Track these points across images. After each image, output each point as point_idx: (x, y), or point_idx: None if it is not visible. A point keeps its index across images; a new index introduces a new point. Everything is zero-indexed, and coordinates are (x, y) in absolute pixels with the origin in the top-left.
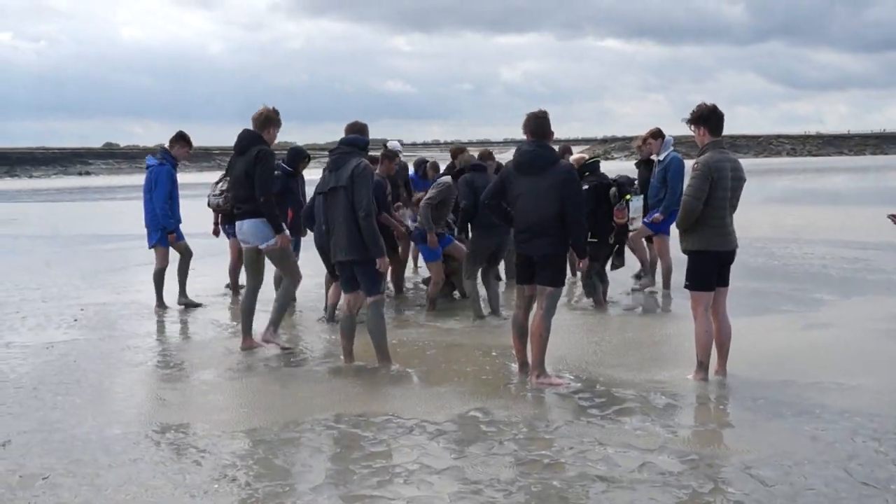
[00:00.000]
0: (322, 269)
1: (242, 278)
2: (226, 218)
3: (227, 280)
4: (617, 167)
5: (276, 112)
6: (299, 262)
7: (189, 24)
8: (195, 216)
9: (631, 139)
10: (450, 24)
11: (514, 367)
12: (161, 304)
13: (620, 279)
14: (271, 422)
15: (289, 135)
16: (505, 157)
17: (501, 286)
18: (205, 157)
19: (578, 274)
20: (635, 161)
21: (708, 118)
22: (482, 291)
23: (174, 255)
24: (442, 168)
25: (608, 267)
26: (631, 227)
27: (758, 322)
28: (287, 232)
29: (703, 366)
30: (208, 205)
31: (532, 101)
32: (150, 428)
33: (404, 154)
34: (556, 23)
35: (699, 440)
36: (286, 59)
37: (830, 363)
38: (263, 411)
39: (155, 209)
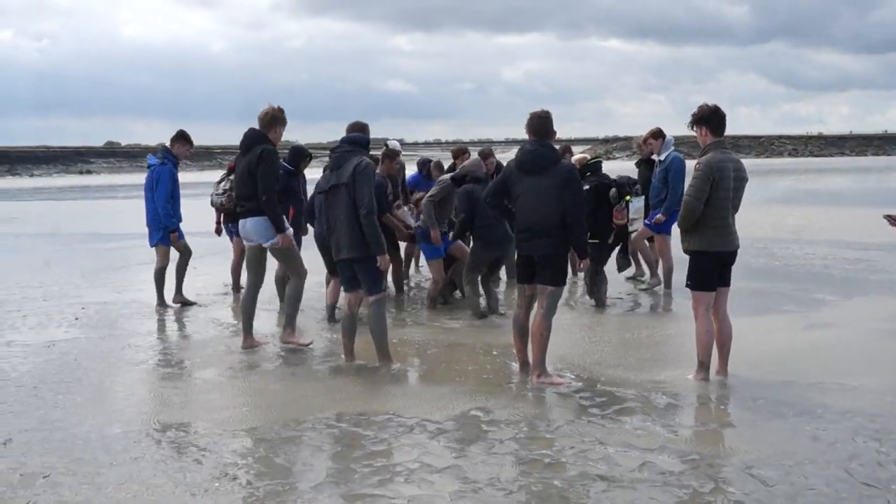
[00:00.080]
0: (322, 269)
1: (244, 278)
2: (228, 217)
3: (228, 279)
4: (618, 167)
5: (281, 111)
6: None
7: (190, 22)
8: (196, 215)
9: (632, 139)
10: (451, 23)
11: (515, 366)
12: (162, 303)
13: (620, 279)
14: (272, 420)
15: (290, 134)
16: (506, 156)
17: (502, 286)
18: (206, 155)
19: (580, 274)
20: (635, 161)
21: (710, 118)
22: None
23: (174, 254)
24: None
25: (615, 268)
26: (631, 228)
27: (759, 322)
28: (290, 230)
29: (703, 366)
30: (211, 204)
31: (533, 101)
32: (150, 426)
33: (404, 154)
34: (558, 23)
35: (700, 440)
36: (287, 58)
37: (832, 363)
38: (264, 410)
39: (156, 208)
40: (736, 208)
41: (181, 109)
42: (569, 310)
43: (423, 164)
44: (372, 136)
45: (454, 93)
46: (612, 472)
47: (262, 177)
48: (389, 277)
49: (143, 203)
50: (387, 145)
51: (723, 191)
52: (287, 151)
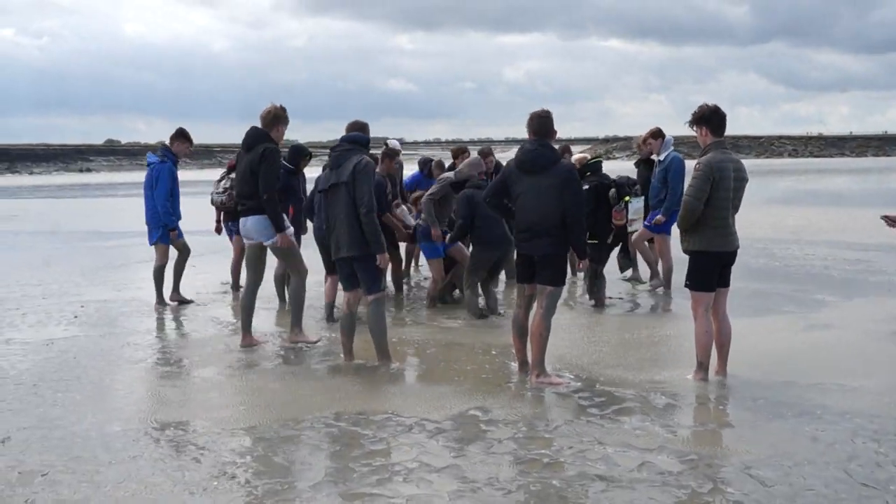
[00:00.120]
0: (322, 268)
1: (243, 277)
2: (228, 215)
3: (228, 278)
4: (618, 167)
5: (283, 110)
6: None
7: (192, 21)
8: (196, 214)
9: (632, 139)
10: (452, 22)
11: (514, 366)
12: (161, 302)
13: (619, 279)
14: (271, 419)
15: (290, 133)
16: (506, 156)
17: (501, 285)
18: (206, 154)
19: (579, 274)
20: (634, 161)
21: (710, 118)
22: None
23: (173, 252)
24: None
25: (613, 268)
26: (630, 229)
27: (759, 323)
28: (291, 229)
29: (702, 366)
30: (212, 202)
31: (534, 101)
32: (149, 425)
33: (405, 153)
34: (559, 23)
35: (699, 440)
36: (288, 57)
37: (831, 364)
38: (263, 409)
39: (156, 206)
40: (736, 208)
41: (182, 108)
42: (568, 310)
43: (425, 164)
44: (372, 135)
45: (455, 92)
46: (611, 471)
47: (264, 175)
48: (388, 277)
49: (143, 201)
50: (386, 144)
51: (723, 191)
52: (287, 150)
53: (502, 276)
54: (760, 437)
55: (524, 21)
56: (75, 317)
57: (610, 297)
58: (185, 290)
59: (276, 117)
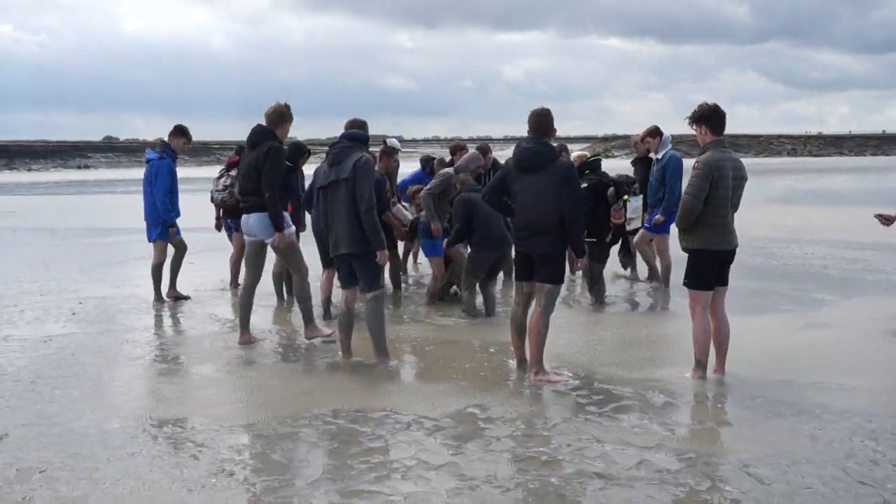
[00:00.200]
0: (320, 267)
1: (243, 274)
2: (228, 213)
3: (226, 275)
4: (617, 165)
5: (288, 108)
6: None
7: (191, 18)
8: (195, 211)
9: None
10: (452, 20)
11: (512, 363)
12: (159, 299)
13: (618, 279)
14: (269, 416)
15: (290, 130)
16: (505, 154)
17: (499, 284)
18: (204, 151)
19: (578, 272)
20: (631, 160)
21: (709, 117)
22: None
23: (170, 250)
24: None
25: (612, 266)
26: (629, 227)
27: (757, 321)
28: (293, 229)
29: (701, 364)
30: (211, 200)
31: (533, 99)
32: (147, 422)
33: (404, 151)
34: (559, 21)
35: (697, 438)
36: (287, 54)
37: (830, 363)
38: (261, 406)
39: (155, 203)
40: (735, 207)
41: (181, 105)
42: (566, 308)
43: (427, 162)
44: (371, 132)
45: (454, 90)
46: (609, 469)
47: (268, 174)
48: (386, 274)
49: (141, 198)
50: (385, 142)
51: (722, 189)
52: (286, 147)
53: (501, 275)
54: (758, 435)
55: (524, 19)
56: (73, 313)
57: (607, 296)
58: (184, 287)
59: (282, 115)
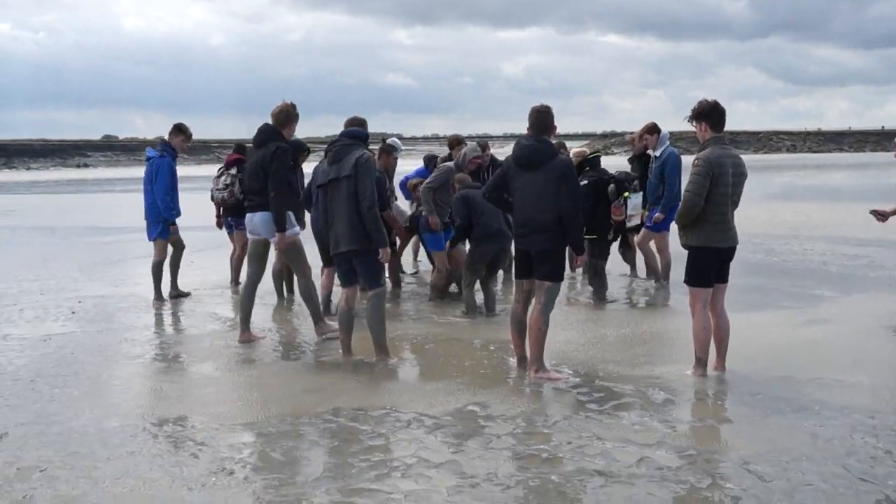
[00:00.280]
0: (320, 265)
1: (243, 274)
2: (228, 211)
3: (226, 273)
4: (616, 163)
5: (294, 107)
6: None
7: (190, 15)
8: (195, 209)
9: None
10: (451, 17)
11: (513, 361)
12: (159, 297)
13: (618, 276)
14: (269, 415)
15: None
16: (504, 151)
17: (500, 283)
18: (203, 149)
19: (578, 270)
20: (628, 157)
21: (709, 114)
22: (479, 297)
23: (168, 249)
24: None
25: (612, 264)
26: (629, 224)
27: (757, 318)
28: (296, 229)
29: (701, 362)
30: (212, 199)
31: (532, 96)
32: (147, 421)
33: (404, 148)
34: (558, 17)
35: (697, 435)
36: (287, 51)
37: (830, 360)
38: (261, 404)
39: (156, 201)
40: (735, 204)
41: (180, 103)
42: (566, 305)
43: (430, 160)
44: (371, 130)
45: (454, 87)
46: (610, 467)
47: (275, 174)
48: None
49: (141, 196)
50: (384, 140)
51: (722, 186)
52: None
53: (500, 274)
54: (759, 432)
55: (522, 16)
56: (73, 312)
57: (608, 294)
58: (184, 286)
59: (289, 115)
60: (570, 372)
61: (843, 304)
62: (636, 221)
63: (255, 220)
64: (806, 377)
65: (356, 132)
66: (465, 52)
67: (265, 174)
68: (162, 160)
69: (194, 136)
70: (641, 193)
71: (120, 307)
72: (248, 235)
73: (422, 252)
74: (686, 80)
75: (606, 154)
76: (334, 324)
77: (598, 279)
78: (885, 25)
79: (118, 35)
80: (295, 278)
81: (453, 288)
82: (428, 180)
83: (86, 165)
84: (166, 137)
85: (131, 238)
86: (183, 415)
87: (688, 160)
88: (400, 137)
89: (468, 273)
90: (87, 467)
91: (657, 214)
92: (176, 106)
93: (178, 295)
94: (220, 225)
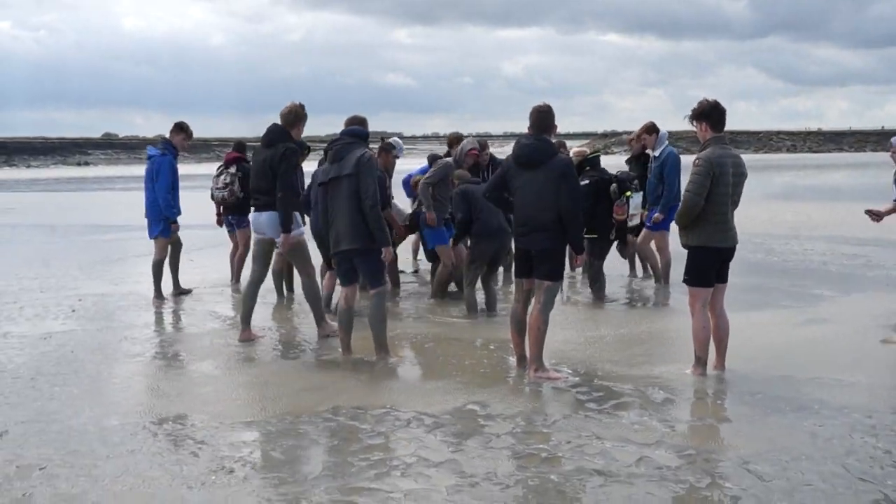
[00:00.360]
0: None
1: (244, 273)
2: (228, 210)
3: (226, 272)
4: (616, 162)
5: (302, 108)
6: None
7: (190, 15)
8: (195, 207)
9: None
10: (451, 17)
11: (512, 360)
12: (159, 296)
13: (618, 275)
14: (269, 413)
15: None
16: (505, 150)
17: (500, 282)
18: (204, 148)
19: (578, 269)
20: (626, 158)
21: (710, 114)
22: (480, 295)
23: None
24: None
25: (611, 263)
26: (630, 224)
27: (756, 318)
28: (302, 230)
29: (700, 361)
30: (212, 198)
31: (532, 96)
32: (147, 419)
33: (405, 148)
34: (558, 17)
35: (697, 435)
36: (287, 51)
37: (829, 359)
38: (261, 403)
39: (157, 200)
40: (735, 204)
41: (180, 102)
42: (566, 304)
43: (434, 159)
44: (371, 129)
45: (454, 87)
46: (609, 466)
47: (283, 174)
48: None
49: (141, 195)
50: (383, 139)
51: (722, 186)
52: None
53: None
54: (758, 431)
55: (522, 15)
56: (73, 311)
57: (607, 294)
58: (184, 284)
59: (297, 116)
60: (570, 371)
61: (842, 304)
62: (637, 221)
63: (262, 220)
64: (805, 376)
65: (357, 131)
66: (465, 51)
67: (273, 174)
68: (163, 158)
69: (194, 135)
70: (642, 193)
71: (120, 305)
72: (254, 234)
73: (421, 252)
74: (686, 79)
75: (606, 153)
76: (335, 324)
77: (596, 278)
78: (885, 25)
79: (118, 35)
80: (295, 277)
81: (453, 287)
82: (426, 176)
83: (86, 163)
84: (167, 136)
85: (131, 236)
86: (183, 413)
87: (688, 160)
88: (401, 136)
89: (469, 271)
90: (86, 465)
91: (656, 214)
92: (176, 106)
93: (180, 293)
94: (220, 223)
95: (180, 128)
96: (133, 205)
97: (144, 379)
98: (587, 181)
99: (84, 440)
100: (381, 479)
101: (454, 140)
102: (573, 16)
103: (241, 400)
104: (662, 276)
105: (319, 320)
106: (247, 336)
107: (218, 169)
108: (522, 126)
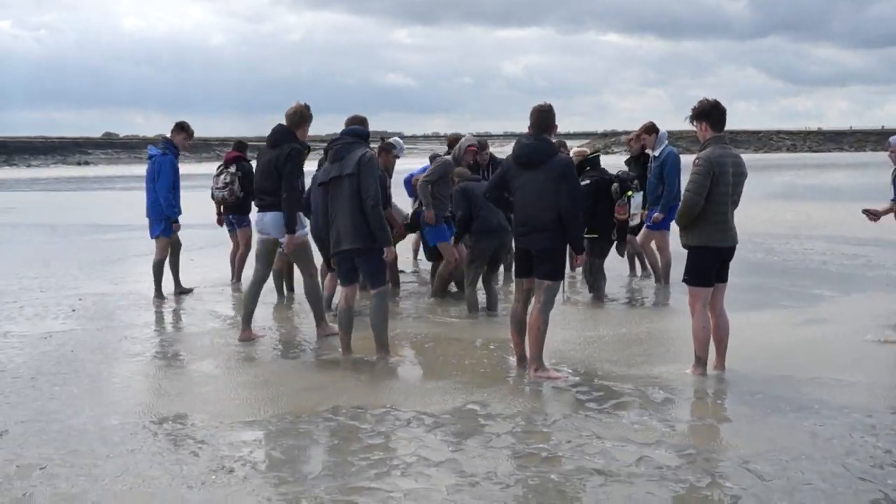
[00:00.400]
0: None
1: (245, 273)
2: (228, 209)
3: (226, 271)
4: (617, 162)
5: (308, 108)
6: None
7: (190, 15)
8: (195, 207)
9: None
10: (451, 17)
11: (512, 360)
12: (159, 295)
13: (618, 274)
14: (269, 413)
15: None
16: (505, 150)
17: (500, 282)
18: (204, 147)
19: (578, 269)
20: (626, 158)
21: (710, 113)
22: (480, 295)
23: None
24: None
25: (611, 263)
26: (631, 223)
27: (756, 317)
28: (305, 230)
29: (700, 361)
30: (212, 197)
31: (532, 95)
32: (147, 419)
33: (406, 148)
34: (558, 17)
35: (697, 434)
36: (287, 51)
37: (829, 359)
38: (261, 403)
39: (158, 199)
40: (735, 204)
41: (180, 102)
42: (566, 304)
43: (435, 159)
44: (371, 129)
45: (454, 87)
46: (609, 466)
47: (288, 175)
48: None
49: (142, 194)
50: (382, 139)
51: (722, 186)
52: None
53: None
54: (758, 431)
55: (522, 15)
56: (73, 310)
57: (607, 294)
58: (184, 283)
59: (302, 117)
60: (570, 371)
61: (841, 304)
62: (637, 221)
63: (266, 220)
64: (805, 376)
65: (357, 130)
66: (465, 51)
67: (279, 174)
68: (164, 158)
69: (195, 135)
70: (642, 193)
71: (120, 305)
72: (258, 234)
73: (421, 252)
74: (686, 79)
75: (607, 153)
76: (335, 326)
77: (595, 278)
78: (885, 25)
79: (118, 35)
80: (295, 277)
81: (453, 287)
82: (426, 174)
83: (86, 163)
84: (168, 135)
85: (132, 236)
86: (183, 413)
87: (688, 160)
88: (401, 136)
89: (470, 270)
90: (87, 465)
91: (656, 214)
92: (176, 105)
93: (182, 292)
94: (220, 223)
95: (181, 127)
96: (133, 204)
97: (144, 378)
98: (587, 181)
99: (84, 440)
100: (381, 479)
101: (454, 141)
102: (573, 16)
103: (241, 399)
104: (662, 276)
105: (319, 320)
106: (247, 336)
107: (218, 168)
108: (522, 126)
